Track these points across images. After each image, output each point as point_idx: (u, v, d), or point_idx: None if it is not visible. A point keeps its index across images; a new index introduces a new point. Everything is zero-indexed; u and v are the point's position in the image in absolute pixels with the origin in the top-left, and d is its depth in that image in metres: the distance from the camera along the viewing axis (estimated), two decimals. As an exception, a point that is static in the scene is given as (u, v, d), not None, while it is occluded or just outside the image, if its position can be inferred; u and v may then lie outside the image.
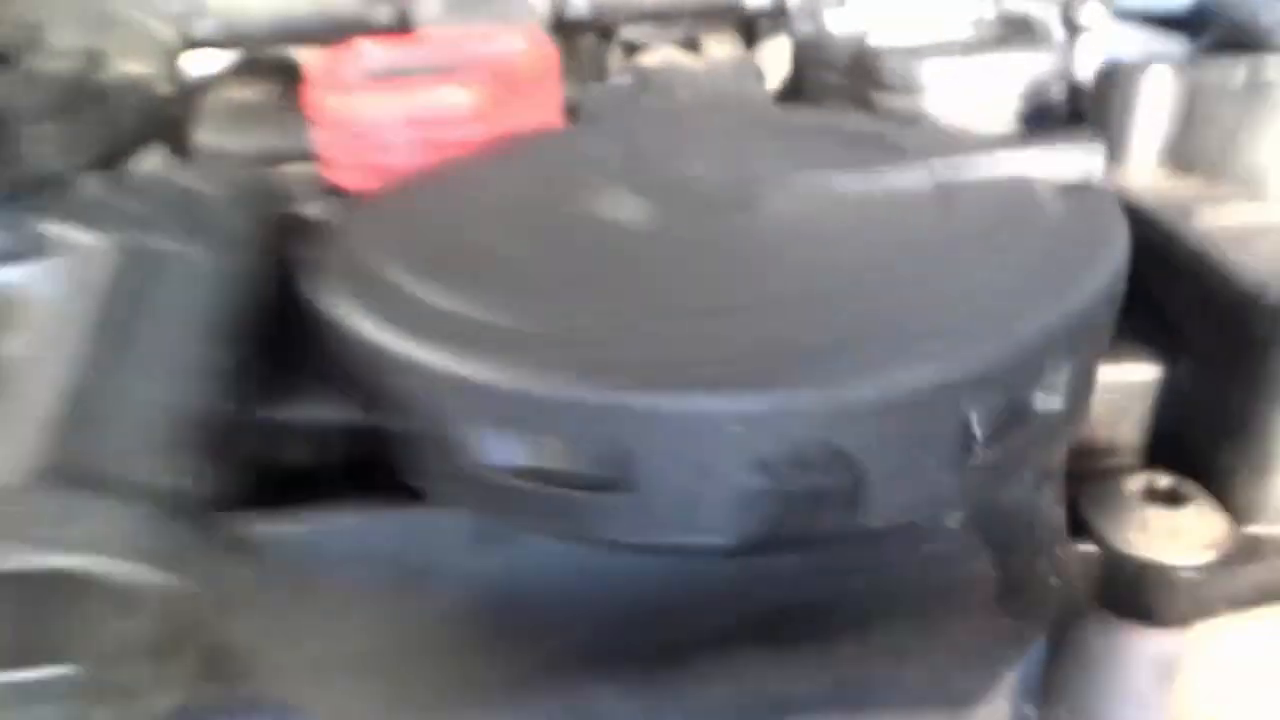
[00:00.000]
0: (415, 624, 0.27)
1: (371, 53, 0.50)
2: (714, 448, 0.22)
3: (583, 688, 0.26)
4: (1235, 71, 0.36)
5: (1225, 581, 0.30)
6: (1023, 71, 0.43)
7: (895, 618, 0.26)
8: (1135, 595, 0.31)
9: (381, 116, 0.42)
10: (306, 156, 0.49)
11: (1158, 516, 0.31)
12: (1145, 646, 0.32)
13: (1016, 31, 0.47)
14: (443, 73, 0.45)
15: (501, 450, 0.24)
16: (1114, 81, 0.37)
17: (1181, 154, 0.36)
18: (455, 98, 0.42)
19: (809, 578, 0.27)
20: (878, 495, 0.23)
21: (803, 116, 0.43)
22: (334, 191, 0.44)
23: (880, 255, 0.28)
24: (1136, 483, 0.32)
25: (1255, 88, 0.35)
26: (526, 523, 0.25)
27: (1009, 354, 0.23)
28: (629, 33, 0.66)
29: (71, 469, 0.24)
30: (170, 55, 0.63)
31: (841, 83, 0.47)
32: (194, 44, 0.62)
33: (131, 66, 0.59)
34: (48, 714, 0.24)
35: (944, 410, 0.23)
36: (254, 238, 0.34)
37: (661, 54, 0.63)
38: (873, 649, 0.26)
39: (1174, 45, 0.73)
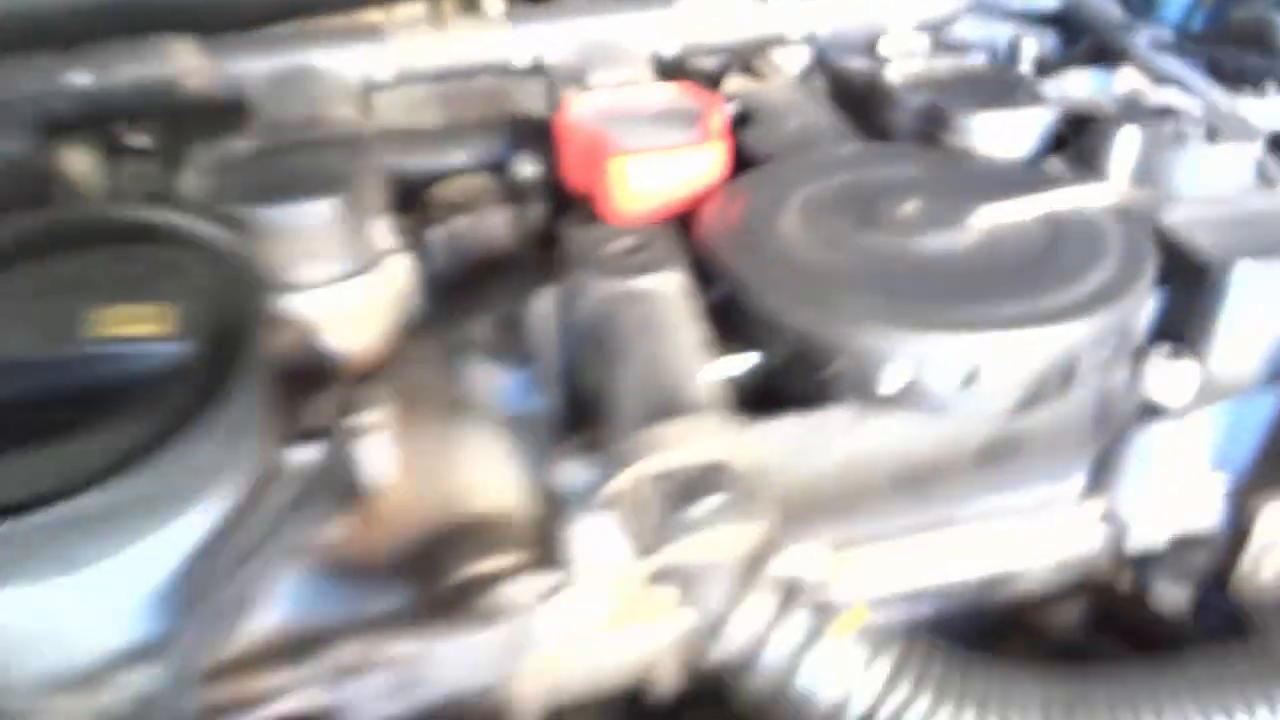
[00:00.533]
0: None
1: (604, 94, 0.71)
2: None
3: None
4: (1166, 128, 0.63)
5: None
6: (1035, 120, 0.69)
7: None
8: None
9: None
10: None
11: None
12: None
13: (1017, 85, 0.73)
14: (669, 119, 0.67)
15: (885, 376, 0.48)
16: (1100, 133, 0.64)
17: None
18: (711, 154, 0.64)
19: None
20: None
21: (932, 155, 0.67)
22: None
23: (1039, 258, 0.53)
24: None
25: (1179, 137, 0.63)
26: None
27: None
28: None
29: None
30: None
31: (909, 124, 0.72)
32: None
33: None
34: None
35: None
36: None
37: (735, 83, 0.86)
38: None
39: (1045, 39, 1.00)
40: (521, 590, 0.52)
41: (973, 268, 0.53)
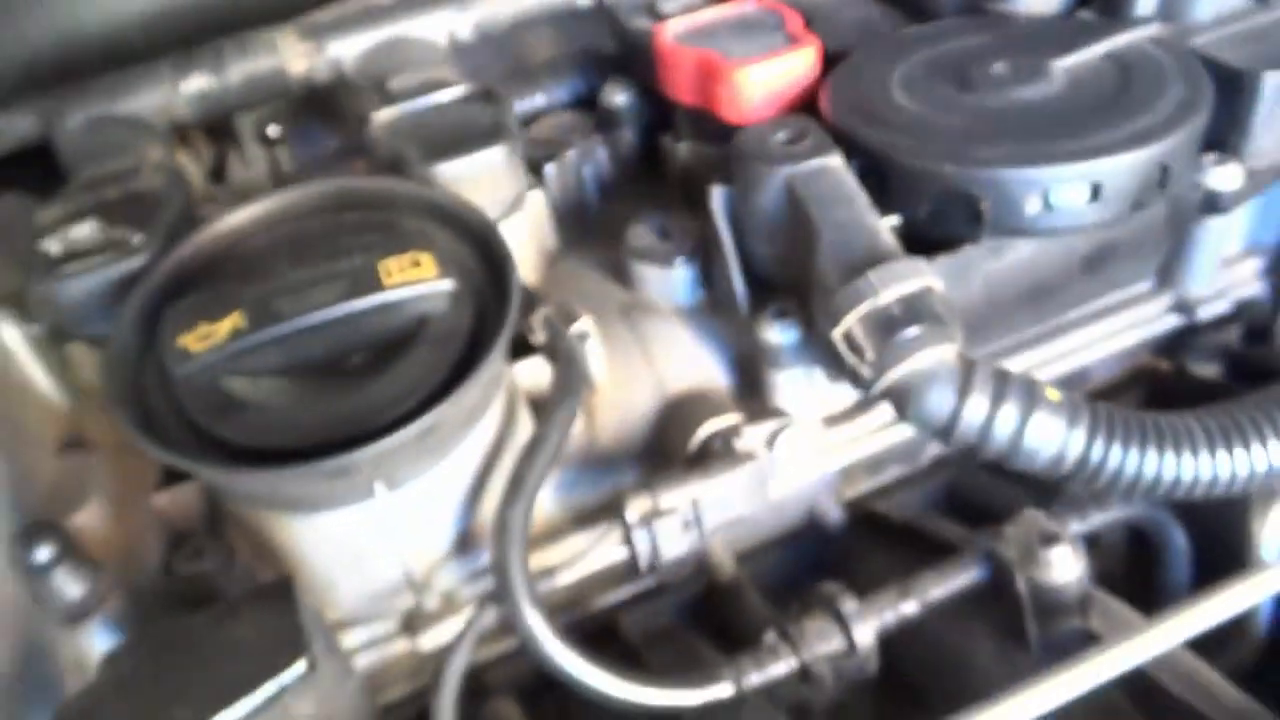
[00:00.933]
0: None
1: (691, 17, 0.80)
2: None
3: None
4: None
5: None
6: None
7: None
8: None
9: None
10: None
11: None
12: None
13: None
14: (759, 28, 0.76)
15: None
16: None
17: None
18: (809, 54, 0.73)
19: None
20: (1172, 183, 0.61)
21: (986, 21, 0.77)
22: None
23: (1118, 92, 0.65)
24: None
25: None
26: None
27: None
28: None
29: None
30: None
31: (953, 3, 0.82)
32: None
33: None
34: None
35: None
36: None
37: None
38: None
39: None
40: (753, 437, 0.63)
41: (1067, 108, 0.64)
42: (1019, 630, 0.59)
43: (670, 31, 0.79)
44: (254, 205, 0.64)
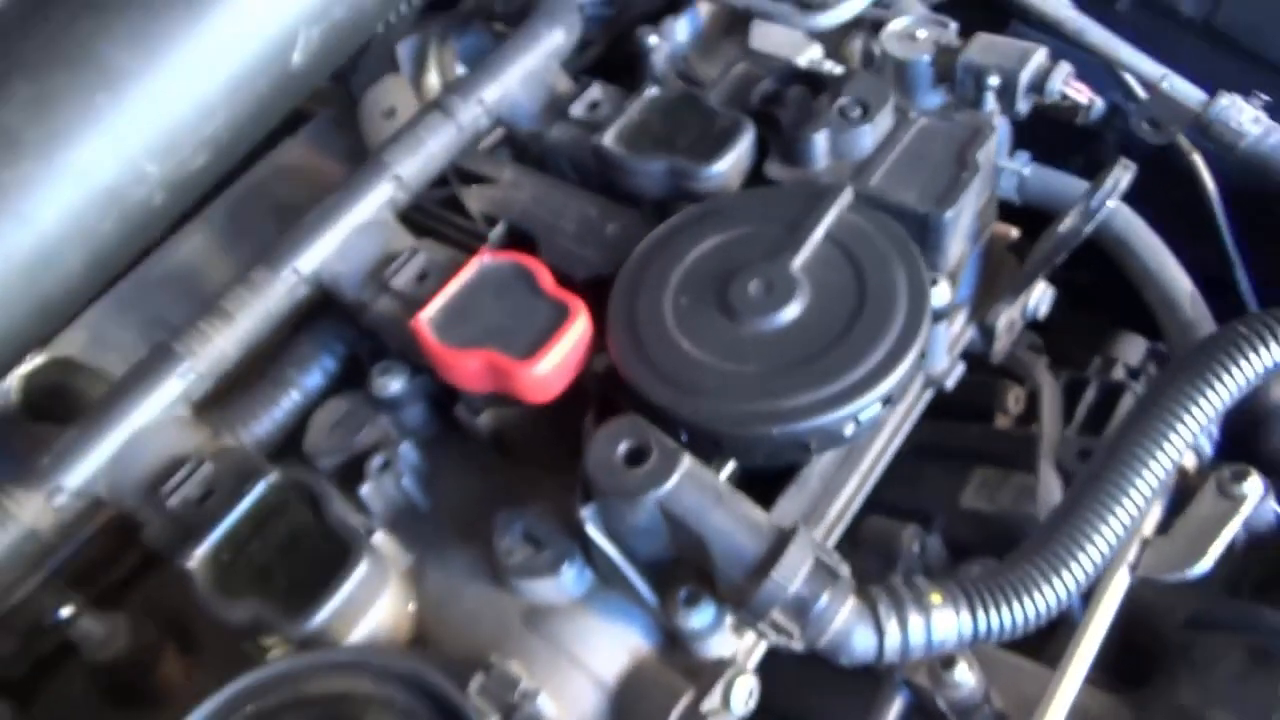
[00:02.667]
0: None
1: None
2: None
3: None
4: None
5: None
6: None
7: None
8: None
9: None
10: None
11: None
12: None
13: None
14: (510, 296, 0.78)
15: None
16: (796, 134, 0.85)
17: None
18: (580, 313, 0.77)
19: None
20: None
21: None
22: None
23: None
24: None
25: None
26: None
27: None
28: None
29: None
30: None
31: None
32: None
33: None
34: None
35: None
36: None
37: (474, 197, 0.95)
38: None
39: None
40: (712, 700, 0.71)
41: (829, 319, 0.74)
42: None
43: (430, 325, 0.79)
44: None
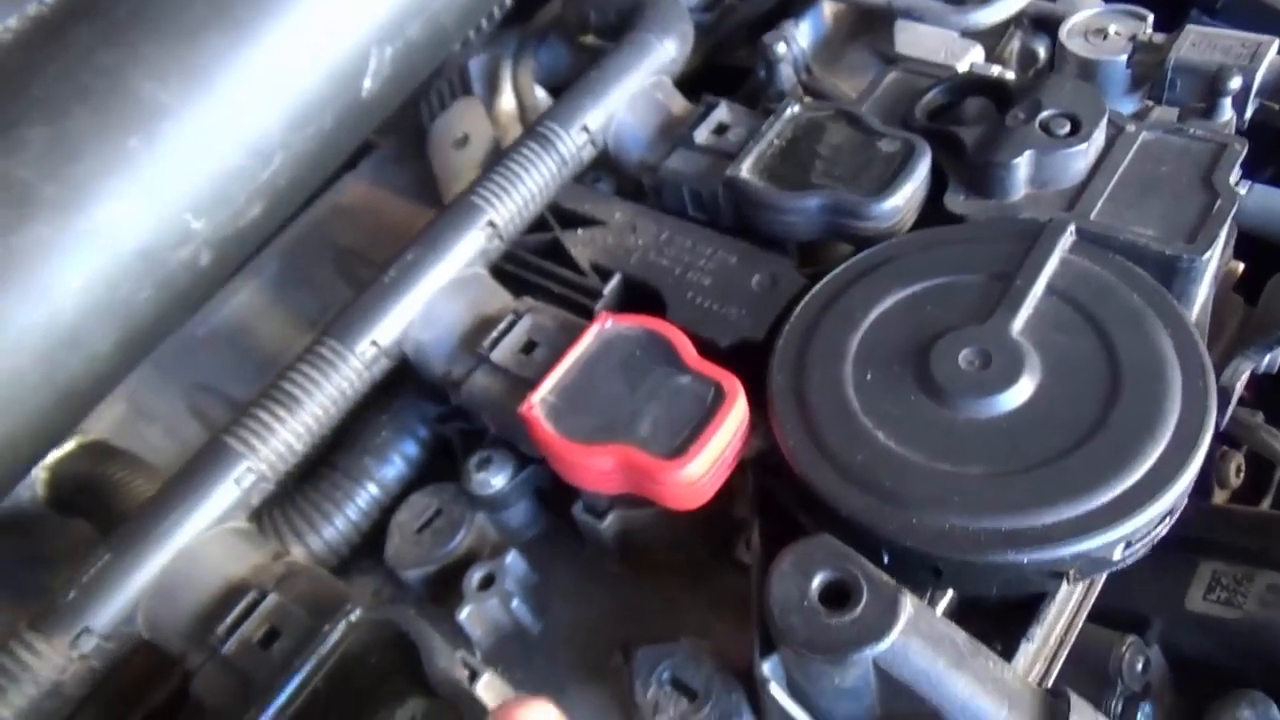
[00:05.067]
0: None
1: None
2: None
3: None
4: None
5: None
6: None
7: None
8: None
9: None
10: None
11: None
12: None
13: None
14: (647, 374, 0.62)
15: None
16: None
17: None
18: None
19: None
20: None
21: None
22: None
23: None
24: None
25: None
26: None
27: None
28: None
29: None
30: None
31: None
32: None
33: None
34: None
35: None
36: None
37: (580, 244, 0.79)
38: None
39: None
40: None
41: (1066, 406, 0.56)
42: None
43: (546, 411, 0.63)
44: None
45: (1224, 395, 0.74)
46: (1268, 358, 0.78)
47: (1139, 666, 0.74)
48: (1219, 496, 0.86)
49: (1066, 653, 0.67)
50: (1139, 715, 0.72)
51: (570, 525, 0.71)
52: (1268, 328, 0.72)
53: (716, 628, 0.64)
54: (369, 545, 0.73)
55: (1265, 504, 0.84)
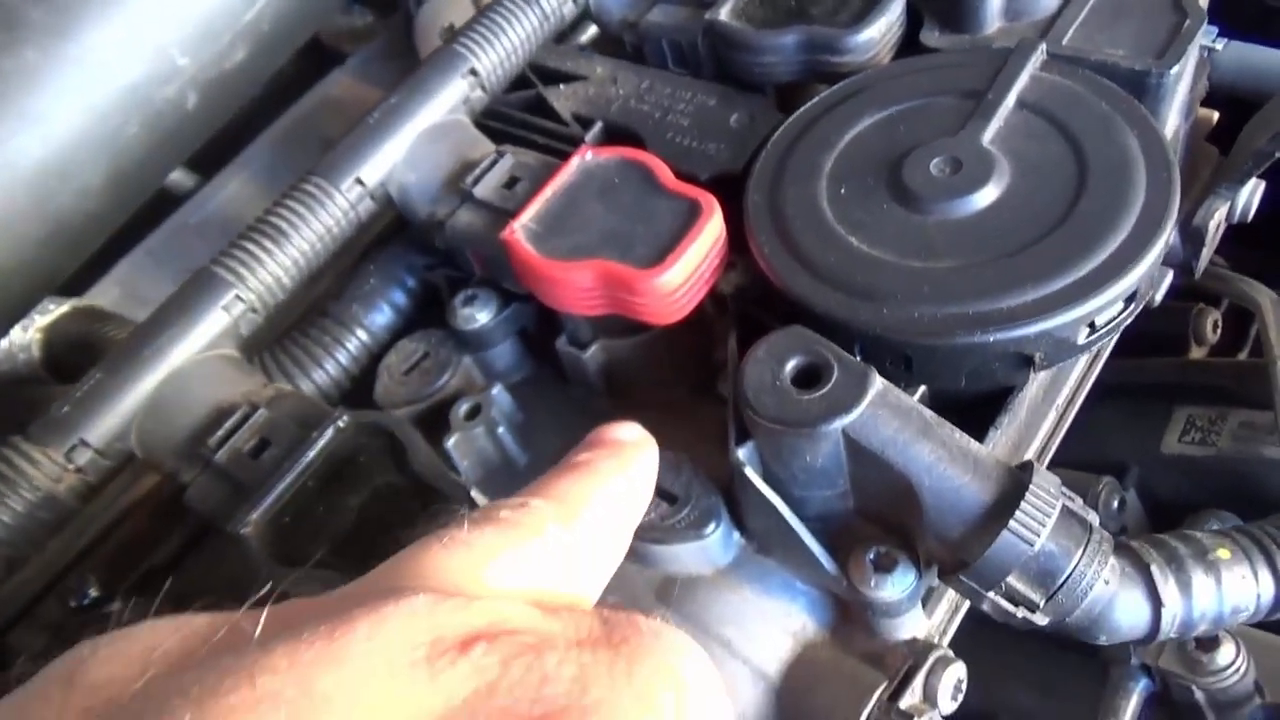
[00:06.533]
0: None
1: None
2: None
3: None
4: None
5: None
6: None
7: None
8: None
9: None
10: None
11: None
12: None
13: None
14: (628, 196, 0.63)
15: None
16: None
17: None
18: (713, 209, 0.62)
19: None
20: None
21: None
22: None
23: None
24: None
25: None
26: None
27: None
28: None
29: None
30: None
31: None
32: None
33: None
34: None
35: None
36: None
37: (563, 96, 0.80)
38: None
39: None
40: (913, 694, 0.55)
41: (1039, 197, 0.58)
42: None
43: (526, 235, 0.64)
44: None
45: (1197, 236, 0.75)
46: (1242, 201, 0.79)
47: (1114, 505, 0.76)
48: (1197, 353, 0.87)
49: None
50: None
51: (555, 369, 0.72)
52: (1240, 167, 0.73)
53: (699, 449, 0.65)
54: (359, 400, 0.74)
55: (1242, 356, 0.85)
